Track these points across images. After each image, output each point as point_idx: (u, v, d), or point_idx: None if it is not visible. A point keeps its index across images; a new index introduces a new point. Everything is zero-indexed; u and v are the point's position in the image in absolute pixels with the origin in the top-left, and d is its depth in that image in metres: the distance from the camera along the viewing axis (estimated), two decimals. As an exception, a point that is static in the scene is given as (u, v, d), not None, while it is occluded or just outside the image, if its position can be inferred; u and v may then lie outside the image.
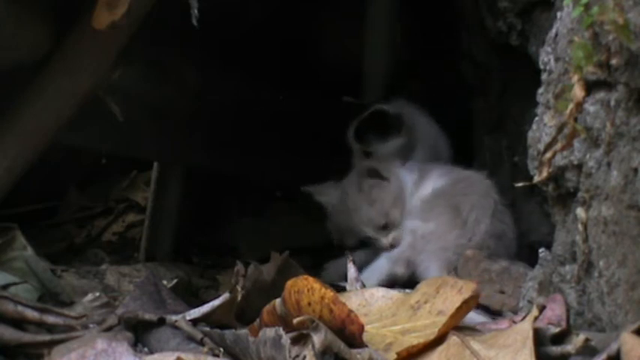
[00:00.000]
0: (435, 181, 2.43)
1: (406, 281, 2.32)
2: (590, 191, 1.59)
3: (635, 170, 1.46)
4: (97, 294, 1.98)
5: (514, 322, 1.65)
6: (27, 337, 1.72)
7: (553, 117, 1.67)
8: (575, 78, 1.56)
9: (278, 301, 1.59)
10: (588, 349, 1.44)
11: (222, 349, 1.62)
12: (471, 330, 1.57)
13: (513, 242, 2.35)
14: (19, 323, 1.78)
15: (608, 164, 1.54)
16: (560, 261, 1.74)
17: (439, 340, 1.50)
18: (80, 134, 2.72)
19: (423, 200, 2.40)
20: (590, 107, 1.56)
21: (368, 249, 2.49)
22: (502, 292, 2.15)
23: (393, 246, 2.40)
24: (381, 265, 2.38)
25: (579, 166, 1.63)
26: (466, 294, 1.56)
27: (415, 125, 2.70)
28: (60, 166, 3.20)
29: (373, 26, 3.10)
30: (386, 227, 2.41)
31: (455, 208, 2.32)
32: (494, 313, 2.10)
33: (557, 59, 1.70)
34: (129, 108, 2.40)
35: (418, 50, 3.26)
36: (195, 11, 2.07)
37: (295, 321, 1.50)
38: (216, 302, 1.79)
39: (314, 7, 3.13)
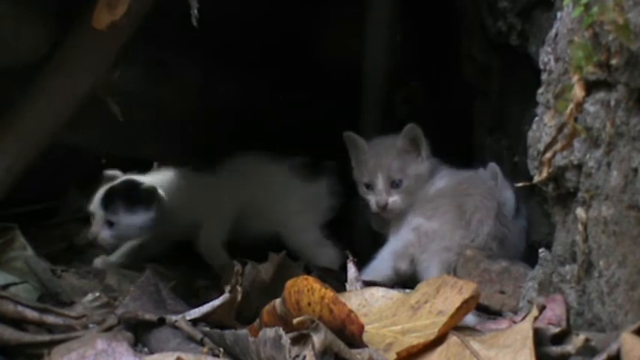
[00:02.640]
0: (436, 182, 2.43)
1: (407, 279, 2.32)
2: (590, 191, 1.59)
3: (635, 170, 1.46)
4: (97, 294, 1.98)
5: (514, 322, 1.65)
6: (27, 337, 1.72)
7: (553, 117, 1.67)
8: (575, 78, 1.56)
9: (278, 301, 1.59)
10: (588, 349, 1.44)
11: (222, 349, 1.62)
12: (471, 330, 1.58)
13: (514, 247, 2.34)
14: (19, 323, 1.78)
15: (608, 164, 1.54)
16: (560, 261, 1.74)
17: (439, 340, 1.50)
18: (80, 134, 2.72)
19: (426, 199, 2.40)
20: (590, 107, 1.56)
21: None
22: (502, 292, 2.15)
23: (383, 209, 2.39)
24: (385, 260, 2.38)
25: (579, 166, 1.63)
26: (466, 294, 1.56)
27: None
28: (60, 166, 3.20)
29: (373, 26, 3.10)
30: (396, 186, 2.40)
31: (458, 207, 2.31)
32: (494, 313, 2.10)
33: (557, 59, 1.70)
34: (129, 108, 2.40)
35: (418, 50, 3.25)
36: (195, 11, 2.07)
37: (295, 321, 1.50)
38: (216, 302, 1.79)
39: (314, 8, 3.13)
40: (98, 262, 2.84)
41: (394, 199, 2.40)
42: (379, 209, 2.40)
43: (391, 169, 2.40)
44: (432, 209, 2.35)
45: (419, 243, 2.32)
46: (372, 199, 2.42)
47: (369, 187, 2.43)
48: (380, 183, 2.40)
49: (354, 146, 2.49)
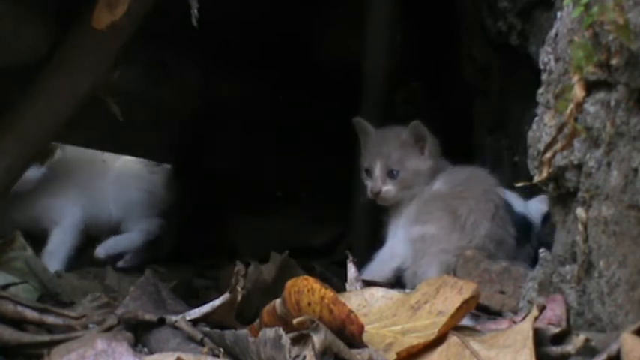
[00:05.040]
0: (435, 184, 2.43)
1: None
2: (590, 191, 1.59)
3: (635, 170, 1.46)
4: (97, 294, 1.98)
5: (514, 322, 1.65)
6: (27, 337, 1.72)
7: (553, 117, 1.67)
8: (575, 78, 1.56)
9: (278, 301, 1.59)
10: (588, 349, 1.44)
11: (222, 349, 1.62)
12: (471, 330, 1.58)
13: (513, 249, 2.33)
14: (19, 323, 1.78)
15: (608, 164, 1.54)
16: (560, 261, 1.74)
17: (439, 340, 1.50)
18: (80, 134, 2.73)
19: (424, 200, 2.39)
20: (590, 107, 1.56)
21: None
22: (502, 292, 2.15)
23: (376, 196, 2.41)
24: (383, 262, 2.38)
25: (579, 166, 1.63)
26: (466, 294, 1.56)
27: None
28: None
29: (373, 26, 3.10)
30: (392, 176, 2.41)
31: (453, 212, 2.31)
32: (494, 313, 2.10)
33: (557, 59, 1.70)
34: (129, 108, 2.40)
35: (418, 50, 3.26)
36: (195, 11, 2.07)
37: (295, 321, 1.50)
38: (216, 302, 1.79)
39: (314, 8, 3.13)
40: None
41: (388, 188, 2.41)
42: (373, 195, 2.43)
43: (390, 158, 2.42)
44: (426, 214, 2.35)
45: (415, 251, 2.32)
46: (369, 185, 2.44)
47: (368, 172, 2.46)
48: (377, 170, 2.43)
49: (363, 132, 2.52)
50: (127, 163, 3.09)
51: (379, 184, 2.41)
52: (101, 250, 2.93)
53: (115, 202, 3.02)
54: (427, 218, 2.33)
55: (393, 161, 2.42)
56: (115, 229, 3.04)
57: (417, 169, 2.42)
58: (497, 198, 2.34)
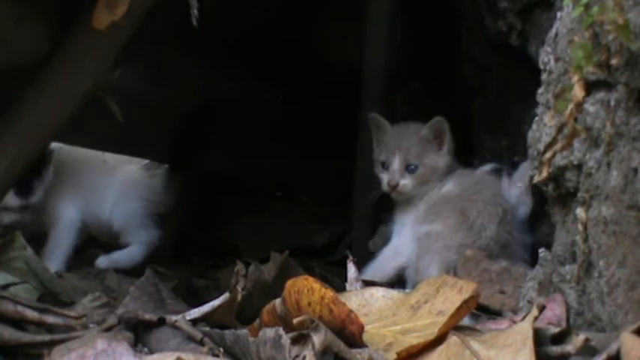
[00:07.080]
0: (445, 185, 2.43)
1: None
2: (590, 191, 1.59)
3: (635, 170, 1.46)
4: (97, 294, 1.98)
5: (514, 322, 1.65)
6: (27, 337, 1.72)
7: (553, 117, 1.67)
8: (575, 78, 1.56)
9: (278, 301, 1.59)
10: (588, 349, 1.44)
11: (222, 349, 1.62)
12: (471, 330, 1.58)
13: (517, 254, 2.34)
14: (19, 323, 1.77)
15: (608, 164, 1.54)
16: (560, 261, 1.74)
17: (439, 340, 1.50)
18: (80, 134, 2.73)
19: (432, 200, 2.40)
20: (590, 107, 1.57)
21: None
22: (502, 292, 2.15)
23: (393, 189, 2.42)
24: (387, 260, 2.38)
25: (579, 166, 1.63)
26: (466, 294, 1.56)
27: None
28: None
29: (373, 26, 3.10)
30: (410, 171, 2.42)
31: (461, 213, 2.31)
32: (494, 313, 2.10)
33: (557, 59, 1.70)
34: (129, 108, 2.40)
35: (418, 50, 3.26)
36: (195, 11, 2.07)
37: (295, 321, 1.50)
38: (216, 302, 1.79)
39: (314, 8, 3.13)
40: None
41: (405, 182, 2.42)
42: (389, 188, 2.43)
43: (410, 153, 2.43)
44: (435, 214, 2.35)
45: (419, 248, 2.32)
46: (385, 178, 2.44)
47: (385, 165, 2.46)
48: (396, 163, 2.43)
49: (377, 127, 2.52)
50: (127, 169, 3.07)
51: (397, 177, 2.42)
52: (103, 262, 2.91)
53: (115, 211, 3.00)
54: (435, 217, 2.34)
55: (413, 156, 2.43)
56: (115, 233, 3.02)
57: (435, 165, 2.43)
58: (505, 203, 2.35)
